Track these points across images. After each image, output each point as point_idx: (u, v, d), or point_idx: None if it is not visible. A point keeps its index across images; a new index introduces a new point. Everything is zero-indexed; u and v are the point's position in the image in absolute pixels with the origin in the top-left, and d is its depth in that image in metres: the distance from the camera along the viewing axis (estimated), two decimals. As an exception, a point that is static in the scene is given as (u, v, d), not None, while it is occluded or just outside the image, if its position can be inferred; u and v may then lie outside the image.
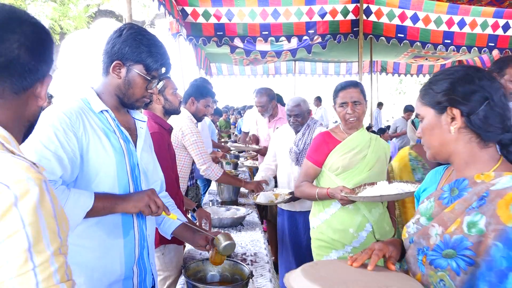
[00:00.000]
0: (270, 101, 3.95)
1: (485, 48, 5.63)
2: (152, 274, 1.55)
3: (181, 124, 2.78)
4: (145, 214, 1.38)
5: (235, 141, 7.08)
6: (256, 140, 4.44)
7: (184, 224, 1.68)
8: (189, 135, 2.76)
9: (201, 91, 3.00)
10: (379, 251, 1.21)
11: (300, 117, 3.08)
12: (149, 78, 1.43)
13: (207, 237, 1.62)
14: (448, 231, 1.03)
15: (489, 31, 5.50)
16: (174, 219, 1.54)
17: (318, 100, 11.34)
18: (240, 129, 8.19)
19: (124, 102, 1.46)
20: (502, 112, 1.03)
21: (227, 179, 2.93)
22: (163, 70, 1.46)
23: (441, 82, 1.09)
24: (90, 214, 1.27)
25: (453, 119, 1.06)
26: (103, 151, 1.35)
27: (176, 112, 2.46)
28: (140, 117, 1.59)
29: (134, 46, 1.38)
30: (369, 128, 7.76)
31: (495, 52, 5.87)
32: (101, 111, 1.42)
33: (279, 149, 3.27)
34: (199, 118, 3.04)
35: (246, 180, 2.98)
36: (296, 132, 3.13)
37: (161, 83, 1.53)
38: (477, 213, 0.98)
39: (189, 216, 2.63)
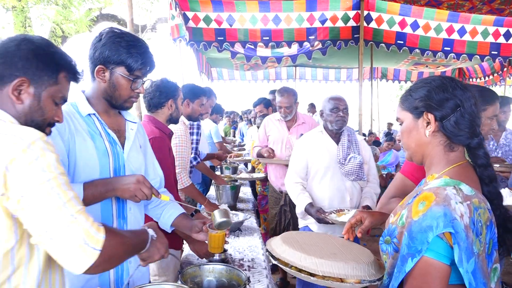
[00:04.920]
0: (295, 102, 3.58)
1: (488, 56, 5.62)
2: (129, 272, 1.55)
3: (173, 127, 2.79)
4: (138, 199, 1.41)
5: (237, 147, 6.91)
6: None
7: (182, 214, 1.72)
8: (173, 137, 2.78)
9: (194, 91, 3.04)
10: (352, 218, 1.51)
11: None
12: (132, 78, 1.46)
13: (205, 221, 1.67)
14: (391, 221, 1.18)
15: (490, 39, 5.50)
16: (166, 200, 1.57)
17: (313, 107, 10.87)
18: (242, 134, 8.10)
19: (113, 104, 1.50)
20: (472, 119, 1.14)
21: (193, 191, 2.87)
22: (146, 69, 1.48)
23: (419, 89, 1.19)
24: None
25: (428, 123, 1.16)
26: (87, 154, 1.40)
27: (177, 121, 2.53)
28: (132, 118, 1.62)
29: (114, 49, 1.41)
30: (371, 134, 7.78)
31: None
32: (88, 115, 1.46)
33: (315, 161, 2.69)
34: (195, 118, 3.07)
35: (210, 201, 2.92)
36: (336, 142, 2.67)
37: (148, 82, 1.56)
38: (406, 208, 1.12)
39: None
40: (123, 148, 1.52)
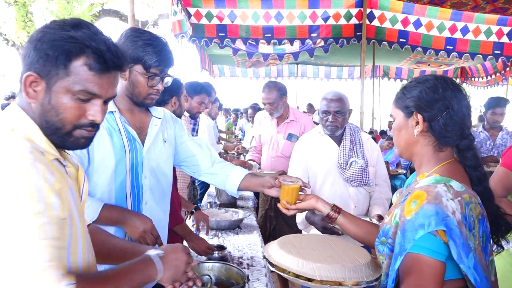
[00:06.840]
0: (281, 98, 3.27)
1: (491, 56, 5.60)
2: None
3: None
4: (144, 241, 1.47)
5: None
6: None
7: (249, 174, 1.73)
8: None
9: (194, 88, 2.99)
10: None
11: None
12: (149, 76, 1.50)
13: (276, 177, 1.64)
14: (385, 222, 1.19)
15: (493, 38, 5.47)
16: None
17: (311, 107, 10.01)
18: (243, 131, 8.09)
19: (135, 101, 1.56)
20: (461, 121, 1.14)
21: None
22: (162, 66, 1.52)
23: (412, 88, 1.21)
24: (95, 222, 1.39)
25: (417, 123, 1.17)
26: (104, 149, 1.46)
27: (179, 117, 2.49)
28: (157, 114, 1.67)
29: (131, 48, 1.46)
30: (371, 133, 7.80)
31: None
32: (109, 112, 1.51)
33: (314, 165, 2.39)
34: (192, 116, 3.03)
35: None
36: (338, 143, 2.37)
37: (169, 79, 1.58)
38: (399, 207, 1.13)
39: (189, 219, 2.62)
40: (143, 145, 1.57)
